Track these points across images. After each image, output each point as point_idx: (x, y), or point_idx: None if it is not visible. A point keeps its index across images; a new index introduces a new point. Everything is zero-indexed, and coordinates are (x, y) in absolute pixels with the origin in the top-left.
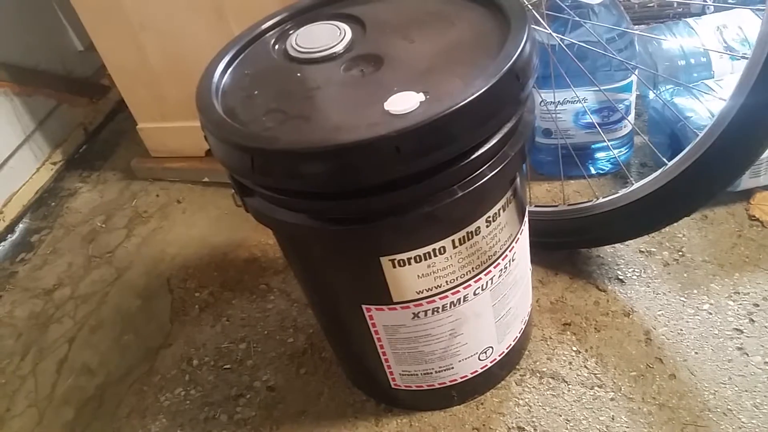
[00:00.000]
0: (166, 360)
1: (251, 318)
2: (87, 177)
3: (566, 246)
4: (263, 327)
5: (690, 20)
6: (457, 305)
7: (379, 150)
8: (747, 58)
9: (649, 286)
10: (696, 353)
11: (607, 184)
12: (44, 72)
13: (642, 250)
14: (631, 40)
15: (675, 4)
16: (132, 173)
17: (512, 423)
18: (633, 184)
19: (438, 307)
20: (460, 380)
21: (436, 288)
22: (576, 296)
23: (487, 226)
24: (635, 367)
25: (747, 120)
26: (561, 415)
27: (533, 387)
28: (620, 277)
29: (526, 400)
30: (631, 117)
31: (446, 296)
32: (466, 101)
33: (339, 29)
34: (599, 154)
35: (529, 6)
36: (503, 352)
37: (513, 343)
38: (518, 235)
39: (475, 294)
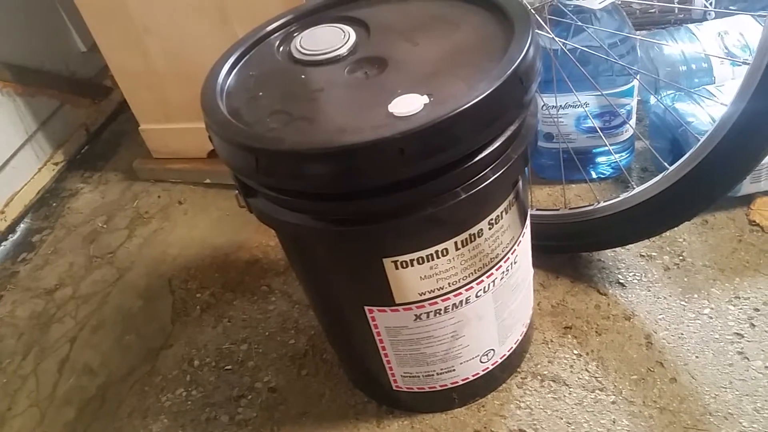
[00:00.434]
0: (167, 360)
1: (252, 319)
2: (89, 177)
3: (567, 250)
4: (264, 328)
5: (691, 26)
6: (459, 307)
7: (383, 152)
8: (748, 64)
9: (649, 290)
10: (697, 357)
11: (608, 189)
12: (47, 72)
13: (643, 254)
14: (633, 46)
15: (676, 10)
16: (134, 174)
17: (513, 426)
18: (634, 188)
19: (440, 309)
20: (461, 382)
21: (439, 290)
22: (577, 300)
23: (490, 229)
24: (636, 370)
25: (748, 125)
26: (562, 418)
27: (534, 390)
28: (621, 281)
29: (528, 402)
30: (633, 122)
31: (448, 298)
32: (469, 104)
33: (343, 32)
34: (600, 159)
35: (531, 10)
36: (505, 354)
37: (514, 346)
38: (520, 238)
39: (477, 296)
